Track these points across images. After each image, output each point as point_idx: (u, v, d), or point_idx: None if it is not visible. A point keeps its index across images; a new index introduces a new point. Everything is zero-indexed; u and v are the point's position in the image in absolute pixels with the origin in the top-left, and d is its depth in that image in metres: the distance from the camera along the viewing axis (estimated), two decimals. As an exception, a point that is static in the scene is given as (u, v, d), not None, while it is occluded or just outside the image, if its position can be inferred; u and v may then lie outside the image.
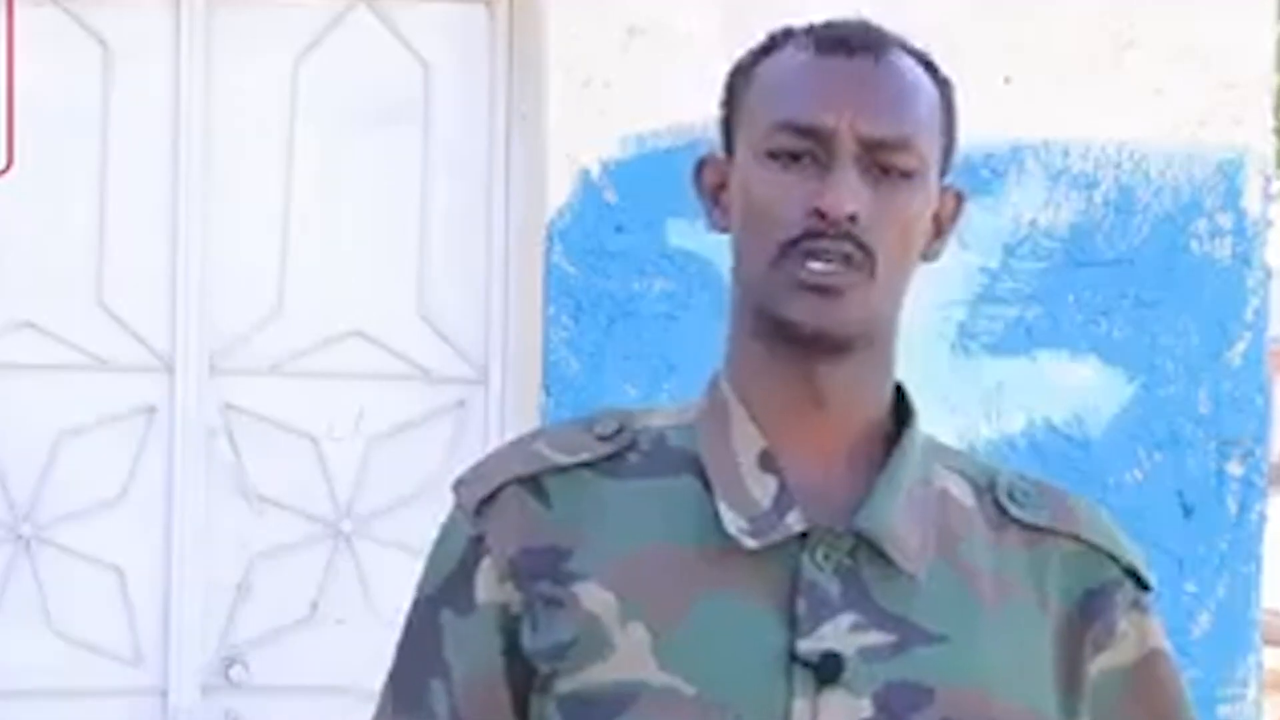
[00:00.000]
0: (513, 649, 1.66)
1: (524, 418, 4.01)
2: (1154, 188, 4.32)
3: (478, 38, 4.25)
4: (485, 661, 1.67)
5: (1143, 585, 1.73)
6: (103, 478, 4.16)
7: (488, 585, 1.67)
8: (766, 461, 1.66)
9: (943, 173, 1.70)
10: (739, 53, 1.74)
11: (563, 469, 1.68)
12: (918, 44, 1.76)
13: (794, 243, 1.62)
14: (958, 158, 1.74)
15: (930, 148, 1.66)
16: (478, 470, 1.73)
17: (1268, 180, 4.42)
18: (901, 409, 1.72)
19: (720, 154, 1.72)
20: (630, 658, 1.61)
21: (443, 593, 1.70)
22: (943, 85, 1.71)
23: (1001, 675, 1.64)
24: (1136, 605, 1.72)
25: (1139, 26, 4.31)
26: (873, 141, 1.62)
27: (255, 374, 4.21)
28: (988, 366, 4.25)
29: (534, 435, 1.74)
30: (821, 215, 1.61)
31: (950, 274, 4.21)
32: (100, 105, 4.14)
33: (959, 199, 1.73)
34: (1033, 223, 4.27)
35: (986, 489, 1.72)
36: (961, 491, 1.71)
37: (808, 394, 1.66)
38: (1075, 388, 4.28)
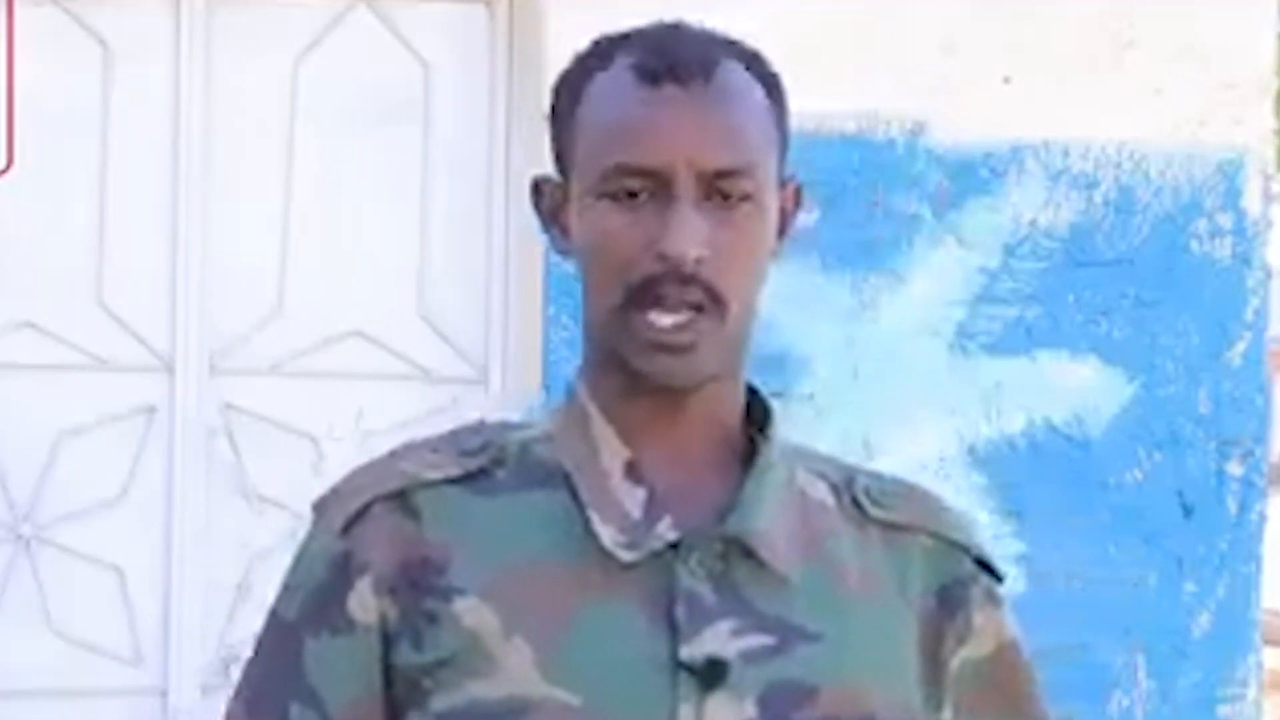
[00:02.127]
0: (389, 666, 1.65)
1: (524, 418, 4.01)
2: (1154, 188, 4.32)
3: (478, 38, 4.25)
4: (366, 682, 1.65)
5: (995, 576, 1.75)
6: (103, 478, 4.16)
7: (365, 603, 1.65)
8: (632, 471, 1.66)
9: (782, 171, 1.68)
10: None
11: (431, 484, 1.67)
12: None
13: (641, 287, 1.61)
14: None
15: (767, 164, 1.65)
16: (340, 489, 1.71)
17: (1268, 180, 4.42)
18: (757, 410, 1.72)
19: (554, 174, 1.71)
20: (515, 673, 1.61)
21: (308, 613, 1.68)
22: (770, 84, 1.68)
23: (875, 671, 1.66)
24: (991, 598, 1.74)
25: (1139, 26, 4.31)
26: (711, 174, 1.61)
27: (255, 374, 4.21)
28: (987, 366, 4.25)
29: (395, 453, 1.72)
30: (665, 258, 1.60)
31: (950, 274, 4.22)
32: (100, 105, 4.15)
33: (798, 192, 1.71)
34: (1033, 223, 4.27)
35: (844, 489, 1.73)
36: (821, 493, 1.72)
37: (666, 411, 1.66)
38: (1075, 388, 4.28)
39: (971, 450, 4.20)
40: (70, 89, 4.13)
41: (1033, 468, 4.25)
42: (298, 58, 4.21)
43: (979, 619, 1.73)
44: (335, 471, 1.74)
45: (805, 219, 1.71)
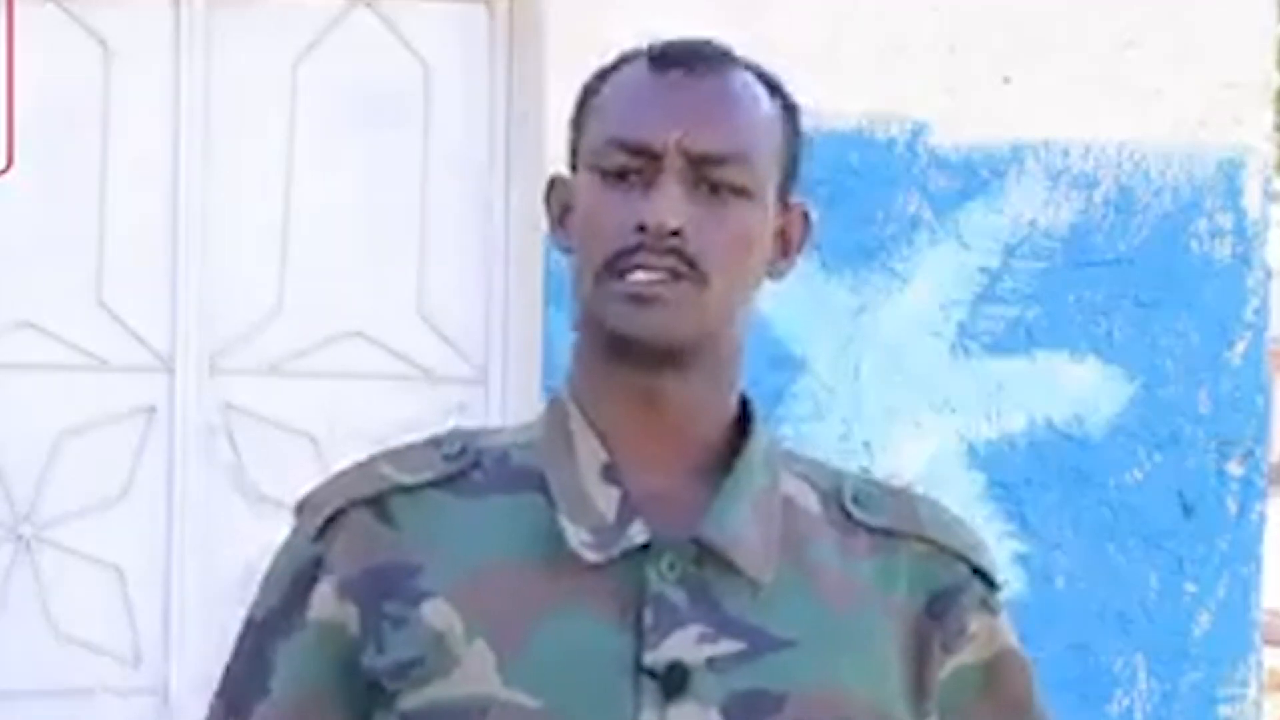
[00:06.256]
0: (351, 669, 1.66)
1: (524, 418, 4.01)
2: (1154, 188, 4.32)
3: (478, 38, 4.25)
4: (312, 679, 1.67)
5: (991, 584, 1.74)
6: (103, 478, 4.16)
7: (323, 603, 1.67)
8: (609, 473, 1.66)
9: (788, 190, 1.69)
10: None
11: (407, 489, 1.69)
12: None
13: (619, 255, 1.62)
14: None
15: (765, 166, 1.66)
16: (319, 493, 1.74)
17: (1268, 180, 4.42)
18: (745, 418, 1.72)
19: (568, 175, 1.72)
20: (474, 674, 1.61)
21: (276, 616, 1.70)
22: (786, 107, 1.70)
23: (851, 678, 1.65)
24: (985, 605, 1.73)
25: (1139, 26, 4.31)
26: (699, 156, 1.63)
27: (255, 374, 4.21)
28: (988, 366, 4.25)
29: (377, 457, 1.74)
30: (643, 229, 1.61)
31: (950, 274, 4.22)
32: (100, 105, 4.14)
33: (807, 216, 1.72)
34: (1033, 223, 4.27)
35: (832, 495, 1.72)
36: (807, 498, 1.71)
37: (647, 406, 1.66)
38: (1075, 388, 4.29)
39: (971, 450, 4.20)
40: (70, 89, 4.13)
41: (1033, 468, 4.25)
42: (298, 58, 4.21)
43: (972, 627, 1.71)
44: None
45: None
